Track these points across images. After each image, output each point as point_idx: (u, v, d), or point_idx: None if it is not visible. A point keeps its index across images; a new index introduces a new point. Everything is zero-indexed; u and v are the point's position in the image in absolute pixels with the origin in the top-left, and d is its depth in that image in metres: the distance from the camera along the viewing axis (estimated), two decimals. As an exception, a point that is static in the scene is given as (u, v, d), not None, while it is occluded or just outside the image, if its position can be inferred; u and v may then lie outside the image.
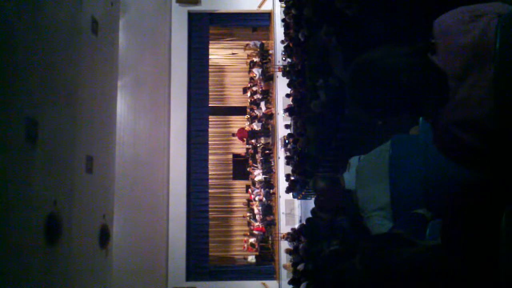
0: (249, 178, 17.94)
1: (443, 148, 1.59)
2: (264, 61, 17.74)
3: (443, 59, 1.49)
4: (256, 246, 17.01)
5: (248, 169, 17.86)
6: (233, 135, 18.25)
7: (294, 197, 15.02)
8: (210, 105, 17.59)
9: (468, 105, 1.43)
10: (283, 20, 14.51)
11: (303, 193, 12.93)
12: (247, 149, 18.02)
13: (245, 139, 17.77)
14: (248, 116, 18.05)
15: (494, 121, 1.39)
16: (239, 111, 18.89)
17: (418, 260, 1.45)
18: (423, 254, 1.47)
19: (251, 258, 17.12)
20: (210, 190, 17.30)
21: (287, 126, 15.36)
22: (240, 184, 18.61)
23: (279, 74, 16.26)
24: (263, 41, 18.09)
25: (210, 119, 17.58)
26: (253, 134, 17.28)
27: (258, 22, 17.99)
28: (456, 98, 1.45)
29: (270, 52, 17.71)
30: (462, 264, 1.38)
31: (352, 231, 3.21)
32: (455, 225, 1.45)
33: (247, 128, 17.79)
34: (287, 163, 14.54)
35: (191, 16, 17.03)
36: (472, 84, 1.43)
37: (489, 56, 1.40)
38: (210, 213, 17.16)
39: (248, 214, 17.90)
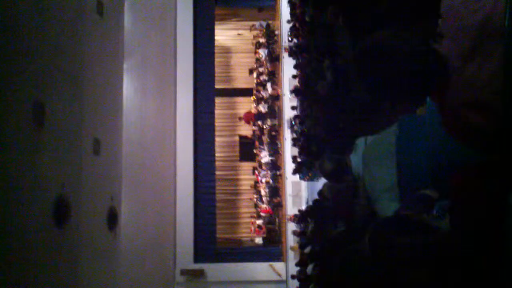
0: (256, 160, 17.96)
1: (451, 129, 1.58)
2: (270, 41, 17.62)
3: (451, 38, 1.47)
4: (263, 228, 17.09)
5: (254, 151, 17.87)
6: (240, 119, 18.21)
7: (301, 178, 15.02)
8: (216, 86, 17.55)
9: (476, 85, 1.41)
10: (289, 0, 14.37)
11: (310, 174, 12.91)
12: (254, 131, 18.00)
13: (251, 122, 17.74)
14: (255, 98, 18.01)
15: (502, 101, 1.37)
16: (245, 92, 18.84)
17: (428, 247, 1.45)
18: (434, 241, 1.46)
19: (258, 240, 17.21)
20: (217, 172, 17.33)
21: (293, 108, 15.31)
22: (247, 166, 18.65)
23: (286, 54, 16.16)
24: (269, 22, 17.96)
25: (216, 101, 17.55)
26: (259, 116, 17.25)
27: (264, 2, 17.83)
28: (463, 78, 1.43)
29: (276, 32, 17.57)
30: (470, 245, 1.37)
31: (360, 213, 3.21)
32: (462, 205, 1.44)
33: (253, 111, 17.74)
34: (294, 145, 14.52)
35: (197, -4, 16.91)
36: (480, 64, 1.40)
37: (497, 35, 1.38)
38: (217, 195, 17.22)
39: (255, 196, 17.96)
